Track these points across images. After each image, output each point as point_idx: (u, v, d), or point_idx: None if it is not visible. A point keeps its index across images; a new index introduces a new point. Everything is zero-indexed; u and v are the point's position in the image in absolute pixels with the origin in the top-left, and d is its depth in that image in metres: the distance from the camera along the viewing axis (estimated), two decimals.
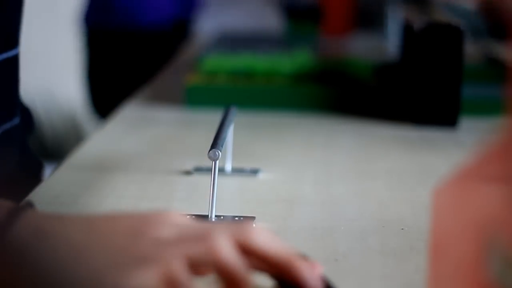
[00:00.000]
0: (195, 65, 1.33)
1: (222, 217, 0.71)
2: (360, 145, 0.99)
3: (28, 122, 0.91)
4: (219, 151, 0.71)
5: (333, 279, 0.60)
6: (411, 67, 1.11)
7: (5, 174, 0.81)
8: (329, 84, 1.17)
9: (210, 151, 0.71)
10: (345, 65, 1.27)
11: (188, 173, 0.85)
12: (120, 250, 0.51)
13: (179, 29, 2.24)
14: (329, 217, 0.73)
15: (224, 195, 0.77)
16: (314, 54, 1.43)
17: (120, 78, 2.18)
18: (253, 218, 0.71)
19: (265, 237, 0.53)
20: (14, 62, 0.83)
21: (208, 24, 2.14)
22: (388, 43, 1.60)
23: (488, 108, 1.12)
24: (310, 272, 0.54)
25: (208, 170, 0.81)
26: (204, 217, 0.70)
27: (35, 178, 0.88)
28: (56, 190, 0.79)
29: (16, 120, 0.83)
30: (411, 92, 1.10)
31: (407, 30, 1.17)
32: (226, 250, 0.50)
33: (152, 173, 0.85)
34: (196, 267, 0.51)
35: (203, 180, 0.82)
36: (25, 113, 0.90)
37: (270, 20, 2.00)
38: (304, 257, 0.56)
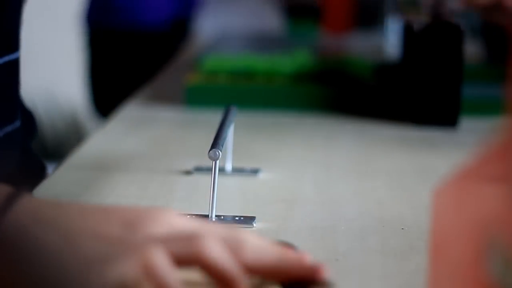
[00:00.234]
0: (195, 65, 1.33)
1: (222, 217, 0.71)
2: (360, 145, 0.99)
3: (30, 126, 0.91)
4: (220, 151, 0.71)
5: (334, 279, 0.60)
6: (411, 67, 1.11)
7: (6, 176, 0.81)
8: (329, 84, 1.17)
9: (210, 151, 0.71)
10: (345, 65, 1.27)
11: (188, 173, 0.85)
12: (110, 240, 0.51)
13: (179, 29, 2.25)
14: (329, 216, 0.73)
15: (224, 195, 0.77)
16: (314, 53, 1.43)
17: (121, 78, 2.18)
18: (253, 218, 0.71)
19: (256, 245, 0.53)
20: (14, 66, 0.83)
21: (208, 24, 2.14)
22: (388, 42, 1.60)
23: (488, 108, 1.12)
24: (310, 269, 0.54)
25: (208, 170, 0.81)
26: (204, 217, 0.70)
27: (37, 180, 0.88)
28: (56, 190, 0.79)
29: (17, 123, 0.83)
30: (411, 92, 1.10)
31: (407, 30, 1.17)
32: (213, 250, 0.51)
33: (152, 173, 0.85)
34: (183, 264, 0.51)
35: (203, 180, 0.82)
36: (27, 117, 0.90)
37: (270, 19, 2.00)
38: (297, 251, 0.57)
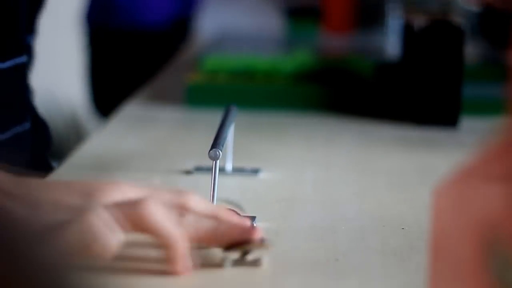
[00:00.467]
0: (195, 65, 1.33)
1: None
2: (360, 144, 0.99)
3: (43, 134, 0.92)
4: (220, 151, 0.71)
5: (334, 278, 0.60)
6: (412, 67, 1.11)
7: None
8: (329, 84, 1.17)
9: (211, 151, 0.71)
10: (345, 65, 1.27)
11: (188, 172, 0.85)
12: (69, 209, 0.58)
13: (180, 29, 2.24)
14: (330, 216, 0.73)
15: (225, 195, 0.77)
16: (315, 53, 1.43)
17: (121, 78, 2.18)
18: (253, 217, 0.71)
19: (199, 200, 0.60)
20: (22, 69, 0.85)
21: (209, 24, 2.14)
22: (389, 42, 1.60)
23: (488, 108, 1.12)
24: (239, 220, 0.61)
25: (209, 169, 0.81)
26: None
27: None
28: None
29: (26, 125, 0.84)
30: (412, 91, 1.10)
31: (408, 29, 1.17)
32: (155, 213, 0.57)
33: (153, 173, 0.85)
34: (129, 228, 0.57)
35: (203, 179, 0.82)
36: (40, 125, 0.91)
37: (270, 19, 2.00)
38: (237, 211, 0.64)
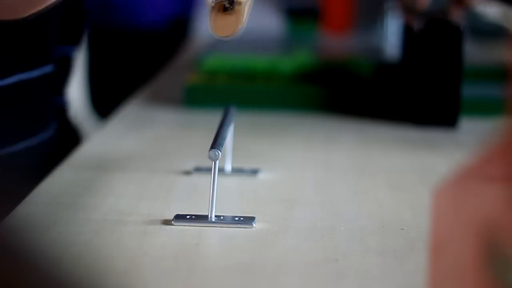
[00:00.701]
0: (195, 65, 1.33)
1: (222, 217, 0.71)
2: (360, 145, 0.99)
3: (72, 143, 0.95)
4: (219, 151, 0.71)
5: (333, 279, 0.60)
6: (411, 67, 1.11)
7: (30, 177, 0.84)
8: (329, 84, 1.17)
9: (210, 151, 0.71)
10: (345, 65, 1.27)
11: (188, 173, 0.85)
12: None
13: (179, 29, 2.24)
14: (329, 217, 0.73)
15: (224, 195, 0.77)
16: (314, 54, 1.43)
17: (120, 78, 2.18)
18: (253, 218, 0.71)
19: None
20: (48, 78, 0.89)
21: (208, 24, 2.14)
22: (388, 42, 1.60)
23: (488, 108, 1.11)
24: None
25: (208, 170, 0.81)
26: (204, 217, 0.71)
27: None
28: (56, 190, 0.79)
29: (51, 132, 0.86)
30: (411, 92, 1.10)
31: (407, 30, 1.17)
32: None
33: (152, 173, 0.85)
34: None
35: (203, 180, 0.82)
36: (71, 134, 0.94)
37: (270, 20, 2.00)
38: None
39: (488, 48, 1.49)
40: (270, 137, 1.02)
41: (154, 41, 2.21)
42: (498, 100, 1.12)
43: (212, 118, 0.90)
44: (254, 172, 0.85)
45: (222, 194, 0.75)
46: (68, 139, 0.96)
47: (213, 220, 0.70)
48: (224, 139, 0.75)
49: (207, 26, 0.76)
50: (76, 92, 2.69)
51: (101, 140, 1.00)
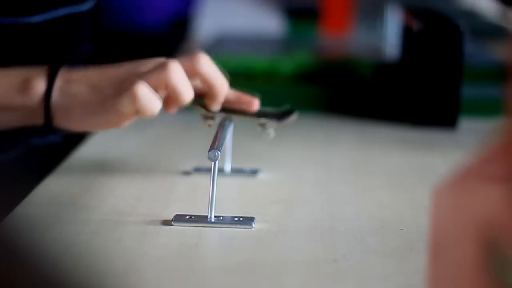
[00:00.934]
0: None
1: (221, 217, 0.71)
2: (360, 145, 0.99)
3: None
4: (219, 152, 0.71)
5: (333, 279, 0.60)
6: (411, 67, 1.11)
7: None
8: (329, 84, 1.17)
9: (210, 152, 0.71)
10: (345, 65, 1.27)
11: (187, 173, 0.85)
12: (119, 79, 0.78)
13: (179, 30, 2.24)
14: (329, 217, 0.73)
15: (224, 196, 0.77)
16: (314, 54, 1.43)
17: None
18: (252, 218, 0.71)
19: (208, 64, 0.81)
20: (80, 18, 0.94)
21: (208, 24, 2.14)
22: (388, 43, 1.60)
23: (487, 108, 1.11)
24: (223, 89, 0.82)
25: (208, 170, 0.81)
26: (204, 217, 0.71)
27: None
28: (56, 190, 0.79)
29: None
30: (411, 92, 1.10)
31: (407, 30, 1.17)
32: (175, 74, 0.76)
33: (152, 174, 0.85)
34: (158, 86, 0.76)
35: (202, 180, 0.82)
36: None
37: (269, 20, 2.00)
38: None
39: (487, 48, 1.49)
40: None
41: (154, 42, 2.21)
42: (498, 101, 1.12)
43: None
44: (254, 172, 0.85)
45: (221, 194, 0.75)
46: (76, 140, 0.97)
47: (213, 220, 0.70)
48: (223, 139, 0.75)
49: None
50: None
51: (101, 140, 1.00)
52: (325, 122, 1.10)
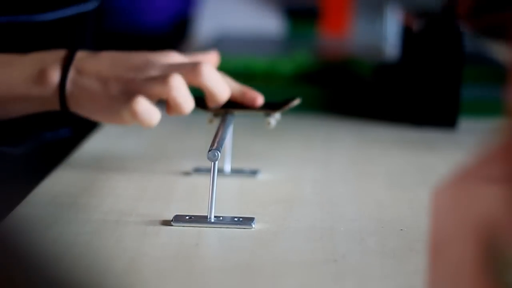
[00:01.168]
0: None
1: (221, 218, 0.71)
2: (360, 145, 0.99)
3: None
4: (219, 152, 0.71)
5: (332, 279, 0.60)
6: (410, 68, 1.11)
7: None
8: (328, 84, 1.17)
9: (210, 152, 0.71)
10: (344, 65, 1.27)
11: (187, 174, 0.85)
12: (126, 80, 0.80)
13: (179, 30, 2.24)
14: (328, 217, 0.73)
15: (224, 196, 0.77)
16: (314, 54, 1.43)
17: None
18: (252, 218, 0.71)
19: (212, 74, 0.81)
20: (85, 18, 0.96)
21: (208, 25, 2.14)
22: (387, 43, 1.60)
23: (487, 109, 1.12)
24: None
25: (208, 171, 0.81)
26: (203, 217, 0.71)
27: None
28: (56, 190, 0.79)
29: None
30: (410, 92, 1.10)
31: (407, 30, 1.17)
32: (176, 87, 0.79)
33: (152, 174, 0.85)
34: (158, 97, 0.80)
35: (202, 181, 0.82)
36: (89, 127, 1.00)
37: (269, 20, 2.00)
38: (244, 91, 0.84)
39: (488, 48, 1.49)
40: (269, 138, 1.02)
41: (154, 43, 2.21)
42: (498, 101, 1.12)
43: None
44: (254, 172, 0.85)
45: (221, 194, 0.75)
46: (85, 135, 0.99)
47: (213, 220, 0.70)
48: (223, 139, 0.75)
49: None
50: None
51: (101, 140, 1.00)
52: (325, 122, 1.10)
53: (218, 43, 1.54)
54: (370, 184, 0.83)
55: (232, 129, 0.83)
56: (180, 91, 0.79)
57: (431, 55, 1.06)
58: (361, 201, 0.78)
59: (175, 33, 2.25)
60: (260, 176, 0.85)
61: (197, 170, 0.85)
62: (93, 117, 0.82)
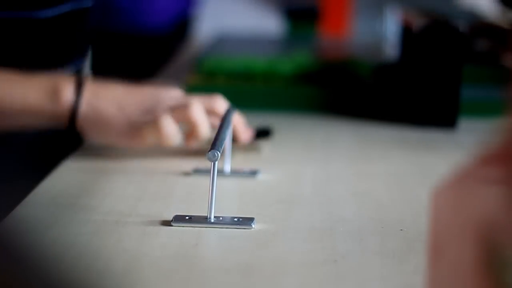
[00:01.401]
0: (194, 66, 1.33)
1: (221, 218, 0.71)
2: (359, 146, 0.99)
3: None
4: (218, 152, 0.71)
5: (332, 280, 0.60)
6: (410, 68, 1.11)
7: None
8: (328, 84, 1.17)
9: (209, 152, 0.71)
10: (344, 65, 1.27)
11: (187, 174, 0.85)
12: (146, 110, 0.86)
13: (179, 31, 2.24)
14: (328, 218, 0.73)
15: (223, 196, 0.77)
16: (314, 54, 1.43)
17: (119, 80, 2.18)
18: (252, 219, 0.71)
19: (224, 104, 0.89)
20: (82, 15, 0.98)
21: (207, 25, 2.14)
22: (387, 43, 1.60)
23: (487, 109, 1.12)
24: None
25: (207, 171, 0.81)
26: (203, 218, 0.71)
27: None
28: (55, 190, 0.79)
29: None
30: (410, 92, 1.10)
31: (406, 31, 1.17)
32: (197, 112, 0.86)
33: (151, 174, 0.85)
34: (180, 120, 0.86)
35: (202, 181, 0.82)
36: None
37: (269, 21, 2.00)
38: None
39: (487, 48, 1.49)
40: (269, 138, 1.02)
41: (154, 43, 2.21)
42: (497, 101, 1.12)
43: None
44: (253, 173, 0.85)
45: (221, 195, 0.75)
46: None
47: (212, 221, 0.70)
48: (223, 140, 0.75)
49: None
50: None
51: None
52: (324, 122, 1.10)
53: (218, 43, 1.54)
54: (370, 184, 0.83)
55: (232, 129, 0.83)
56: (200, 114, 0.86)
57: (431, 55, 1.06)
58: (361, 201, 0.78)
59: (176, 34, 2.25)
60: (260, 176, 0.85)
61: (197, 171, 0.85)
62: (107, 139, 0.86)
